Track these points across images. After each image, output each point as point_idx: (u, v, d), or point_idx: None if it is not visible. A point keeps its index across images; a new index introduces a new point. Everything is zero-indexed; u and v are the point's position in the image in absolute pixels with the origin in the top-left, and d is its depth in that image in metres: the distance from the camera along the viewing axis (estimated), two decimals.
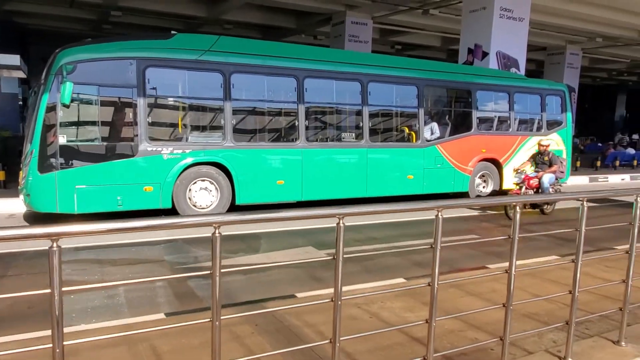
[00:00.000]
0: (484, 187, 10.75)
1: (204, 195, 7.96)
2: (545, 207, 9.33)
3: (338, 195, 8.89)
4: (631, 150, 19.96)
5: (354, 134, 9.28)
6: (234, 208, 8.19)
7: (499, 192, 10.94)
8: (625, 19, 20.39)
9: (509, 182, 10.86)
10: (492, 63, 14.04)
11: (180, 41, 7.84)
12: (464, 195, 10.42)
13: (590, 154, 22.86)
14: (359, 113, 9.22)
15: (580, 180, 15.93)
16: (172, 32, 7.99)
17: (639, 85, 45.46)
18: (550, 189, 9.05)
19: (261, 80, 8.36)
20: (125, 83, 7.26)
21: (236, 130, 8.17)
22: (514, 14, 14.18)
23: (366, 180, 9.15)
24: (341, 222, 2.18)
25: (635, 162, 19.20)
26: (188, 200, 7.83)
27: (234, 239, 6.77)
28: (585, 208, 2.95)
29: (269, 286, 4.86)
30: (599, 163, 18.25)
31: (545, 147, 9.18)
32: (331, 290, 2.25)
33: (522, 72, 14.61)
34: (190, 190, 7.84)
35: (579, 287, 2.96)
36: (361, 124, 9.18)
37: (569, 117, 11.65)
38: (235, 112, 8.13)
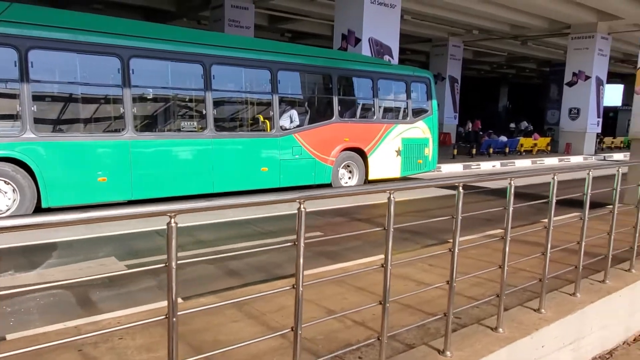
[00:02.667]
0: (349, 177, 10.26)
1: None
2: None
3: (178, 192, 7.83)
4: (503, 138, 20.97)
5: (196, 123, 8.24)
6: (41, 212, 6.82)
7: (366, 183, 10.53)
8: (498, 12, 21.29)
9: (376, 172, 10.50)
10: (365, 49, 13.69)
11: None
12: (327, 187, 9.83)
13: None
14: (201, 99, 8.19)
15: (455, 168, 16.28)
16: None
17: (518, 78, 49.11)
18: None
19: (72, 59, 7.01)
20: None
21: (39, 119, 6.77)
22: (385, 0, 13.91)
23: (212, 174, 8.18)
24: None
25: (507, 149, 20.15)
26: None
27: (15, 253, 5.48)
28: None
29: (10, 319, 3.72)
30: (474, 151, 18.87)
31: None
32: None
33: (396, 59, 14.47)
34: None
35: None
36: (205, 112, 8.16)
37: (434, 105, 11.54)
38: (37, 97, 6.71)
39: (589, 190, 3.57)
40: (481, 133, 24.68)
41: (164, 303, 3.76)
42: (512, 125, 31.89)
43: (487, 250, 4.55)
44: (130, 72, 7.32)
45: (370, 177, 10.41)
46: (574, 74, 22.26)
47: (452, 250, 2.65)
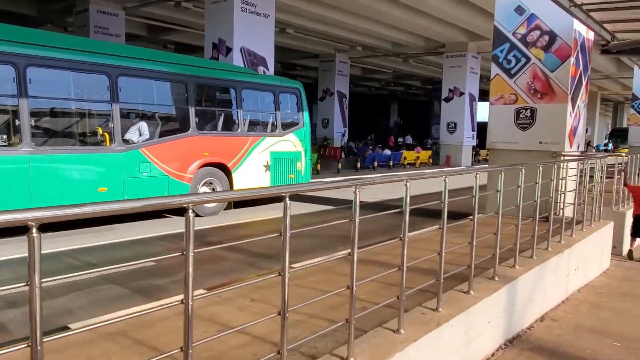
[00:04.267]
0: None
1: None
2: None
3: None
4: (387, 152, 21.33)
5: (6, 137, 6.81)
6: None
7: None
8: (379, 29, 21.79)
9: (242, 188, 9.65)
10: (237, 59, 12.92)
11: None
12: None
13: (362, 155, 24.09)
14: (14, 108, 6.79)
15: None
16: None
17: (406, 95, 51.59)
18: None
19: None
20: None
21: None
22: (257, 8, 13.30)
23: (30, 197, 6.77)
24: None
25: (391, 163, 20.47)
26: None
27: None
28: None
29: None
30: (358, 164, 18.85)
31: None
32: None
33: (271, 71, 13.87)
34: None
35: None
36: (18, 122, 6.77)
37: (306, 117, 11.02)
38: None
39: (407, 207, 3.03)
40: (369, 147, 24.99)
41: None
42: (400, 139, 33.12)
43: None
44: None
45: None
46: (450, 90, 23.44)
47: (183, 304, 1.85)
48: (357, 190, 2.63)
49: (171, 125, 8.86)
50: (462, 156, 23.36)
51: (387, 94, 50.83)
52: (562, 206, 5.79)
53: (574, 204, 6.17)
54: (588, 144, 40.29)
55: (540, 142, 7.78)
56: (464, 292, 3.73)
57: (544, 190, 5.23)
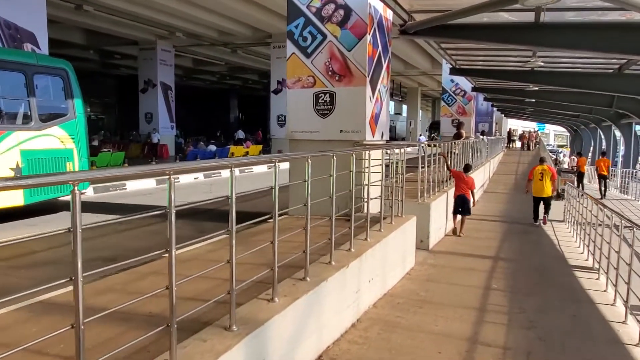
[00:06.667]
0: None
1: None
2: None
3: None
4: (212, 147, 19.68)
5: None
6: None
7: None
8: (202, 15, 19.85)
9: None
10: None
11: None
12: None
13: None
14: None
15: (148, 183, 13.99)
16: None
17: (245, 90, 50.14)
18: None
19: None
20: None
21: None
22: None
23: None
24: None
25: (216, 158, 18.81)
26: None
27: None
28: None
29: None
30: (178, 161, 16.81)
31: None
32: None
33: (45, 50, 11.16)
34: None
35: None
36: None
37: (78, 106, 8.75)
38: None
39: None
40: (189, 143, 22.97)
41: None
42: (236, 134, 31.77)
43: None
44: None
45: None
46: (279, 82, 22.60)
47: None
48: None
49: None
50: None
51: (227, 89, 48.76)
52: (352, 207, 4.78)
53: (367, 202, 5.25)
54: (433, 137, 42.72)
55: (341, 131, 6.87)
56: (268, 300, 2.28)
57: (328, 188, 4.13)
